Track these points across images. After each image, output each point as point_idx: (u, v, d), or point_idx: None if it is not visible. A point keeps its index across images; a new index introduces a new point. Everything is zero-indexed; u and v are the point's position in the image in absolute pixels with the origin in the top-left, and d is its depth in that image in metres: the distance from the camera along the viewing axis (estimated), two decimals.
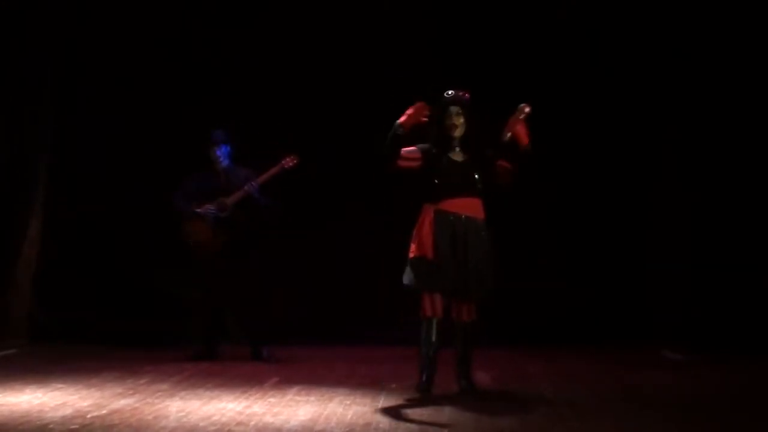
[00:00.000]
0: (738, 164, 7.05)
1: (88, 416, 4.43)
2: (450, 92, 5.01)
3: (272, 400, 4.89)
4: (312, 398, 4.91)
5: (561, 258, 7.44)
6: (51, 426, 4.22)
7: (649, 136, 7.44)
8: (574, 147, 7.46)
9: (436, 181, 4.93)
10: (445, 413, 4.55)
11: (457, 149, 5.01)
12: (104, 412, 4.55)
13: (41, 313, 7.28)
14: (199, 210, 6.32)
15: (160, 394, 5.06)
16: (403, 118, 4.88)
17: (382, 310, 7.46)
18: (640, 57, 7.33)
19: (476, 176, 4.95)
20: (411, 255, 4.96)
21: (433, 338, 4.90)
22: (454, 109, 4.98)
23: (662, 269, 7.34)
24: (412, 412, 4.55)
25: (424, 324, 4.94)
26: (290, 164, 6.24)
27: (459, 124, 4.98)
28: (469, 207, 4.93)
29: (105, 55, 7.50)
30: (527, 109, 4.90)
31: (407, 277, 4.97)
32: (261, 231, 6.49)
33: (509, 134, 4.93)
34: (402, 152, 4.94)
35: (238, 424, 4.28)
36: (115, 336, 7.25)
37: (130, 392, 5.09)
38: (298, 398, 4.92)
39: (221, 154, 6.44)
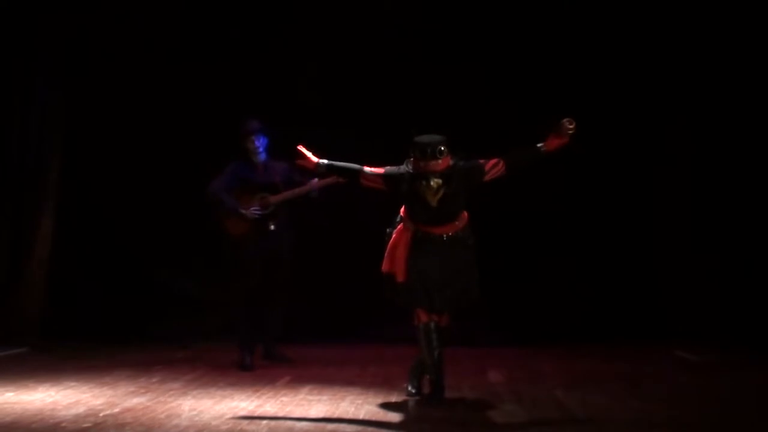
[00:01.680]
0: (751, 160, 7.00)
1: (101, 414, 4.45)
2: (424, 151, 4.61)
3: (284, 399, 4.89)
4: (324, 397, 4.91)
5: (573, 257, 7.40)
6: (64, 424, 4.24)
7: (657, 132, 7.40)
8: (584, 145, 7.40)
9: (410, 206, 4.78)
10: (458, 413, 4.54)
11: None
12: (117, 410, 4.56)
13: (54, 311, 7.30)
14: (243, 211, 6.04)
15: (172, 392, 5.07)
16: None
17: (393, 309, 7.43)
18: (643, 56, 7.30)
19: (454, 203, 4.73)
20: (384, 268, 4.83)
21: (434, 342, 4.77)
22: (436, 149, 4.60)
23: (676, 269, 7.31)
24: (425, 412, 4.54)
25: (420, 331, 4.82)
26: (329, 182, 5.91)
27: (437, 186, 4.63)
28: (449, 229, 4.77)
29: (116, 54, 7.49)
30: (571, 126, 4.67)
31: (388, 294, 4.87)
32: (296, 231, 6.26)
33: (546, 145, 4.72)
34: (366, 173, 4.79)
35: (251, 422, 4.28)
36: (127, 335, 7.27)
37: (143, 391, 5.11)
38: (310, 397, 4.92)
39: (260, 144, 6.10)
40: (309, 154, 4.84)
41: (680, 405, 4.72)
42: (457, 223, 4.80)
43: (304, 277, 7.41)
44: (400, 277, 4.77)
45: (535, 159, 4.79)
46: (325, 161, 4.83)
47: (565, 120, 4.68)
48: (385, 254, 4.86)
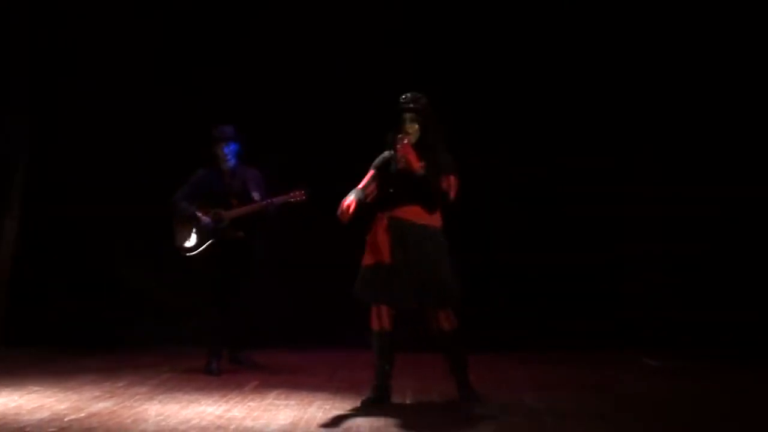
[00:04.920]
0: (713, 164, 7.11)
1: (66, 419, 4.39)
2: (404, 96, 4.91)
3: (252, 404, 4.87)
4: (292, 402, 4.89)
5: (540, 264, 7.44)
6: (28, 429, 4.18)
7: (623, 139, 7.48)
8: (548, 154, 7.51)
9: (390, 190, 4.85)
10: (425, 418, 4.54)
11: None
12: (82, 415, 4.51)
13: (16, 315, 7.19)
14: (199, 214, 6.03)
15: (138, 397, 5.02)
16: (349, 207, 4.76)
17: (362, 313, 7.43)
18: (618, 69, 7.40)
19: (429, 183, 4.79)
20: (365, 263, 4.84)
21: (384, 351, 4.83)
22: (408, 116, 4.86)
23: (640, 275, 7.39)
24: (393, 417, 4.53)
25: (374, 336, 4.87)
26: (298, 198, 5.95)
27: (412, 131, 4.85)
28: (422, 215, 4.82)
29: (84, 52, 7.42)
30: (405, 141, 4.81)
31: (358, 287, 4.86)
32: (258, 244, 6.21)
33: (401, 164, 4.84)
34: (367, 191, 4.90)
35: (218, 428, 4.26)
36: (91, 339, 7.19)
37: (108, 395, 5.05)
38: (277, 402, 4.90)
39: (228, 152, 6.08)
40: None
41: (645, 410, 4.76)
42: (430, 216, 4.82)
43: (274, 281, 7.40)
44: (386, 259, 4.76)
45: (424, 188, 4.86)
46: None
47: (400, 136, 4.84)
48: (366, 250, 4.86)
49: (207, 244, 6.07)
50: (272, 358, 6.44)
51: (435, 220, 4.88)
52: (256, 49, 7.45)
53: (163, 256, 6.96)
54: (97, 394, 5.09)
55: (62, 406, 4.71)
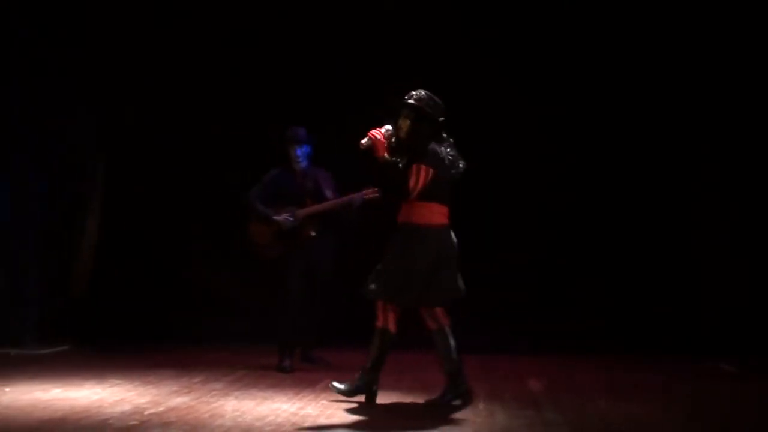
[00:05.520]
0: None
1: (146, 413, 4.51)
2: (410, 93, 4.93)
3: (325, 402, 4.93)
4: (363, 401, 4.93)
5: (618, 267, 7.38)
6: (110, 421, 4.31)
7: (692, 141, 7.38)
8: (625, 157, 7.43)
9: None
10: (497, 420, 4.54)
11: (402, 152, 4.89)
12: (161, 409, 4.62)
13: (97, 310, 7.41)
14: (276, 218, 6.12)
15: (214, 393, 5.12)
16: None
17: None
18: (682, 60, 7.29)
19: (381, 169, 4.82)
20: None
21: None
22: (403, 111, 4.90)
23: (720, 281, 7.25)
24: (465, 419, 4.55)
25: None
26: (372, 195, 5.97)
27: (404, 126, 4.86)
28: (401, 209, 4.91)
29: (161, 54, 7.57)
30: (376, 132, 4.83)
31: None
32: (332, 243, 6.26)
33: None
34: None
35: (293, 424, 4.32)
36: (167, 334, 7.36)
37: (186, 390, 5.17)
38: (350, 401, 4.94)
39: (301, 153, 6.15)
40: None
41: (722, 417, 4.68)
42: (404, 209, 4.87)
43: (343, 281, 7.45)
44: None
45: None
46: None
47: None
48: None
49: (281, 242, 6.16)
50: (343, 357, 6.48)
51: (411, 215, 4.86)
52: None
53: (237, 255, 7.10)
54: (175, 388, 5.22)
55: (142, 400, 4.84)
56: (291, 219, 6.12)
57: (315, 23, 7.50)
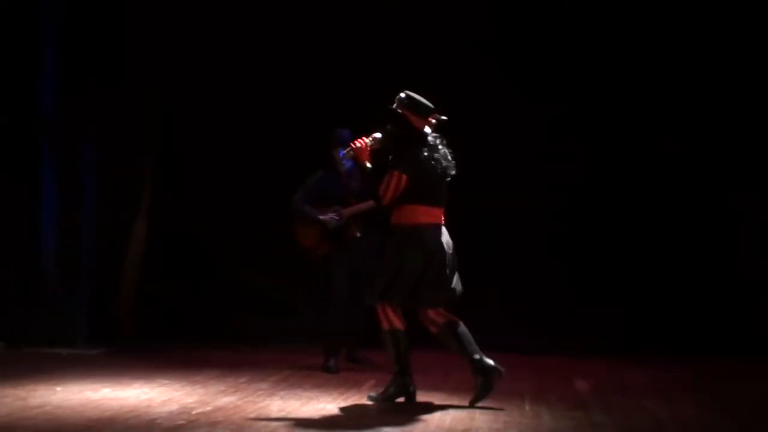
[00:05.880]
0: None
1: (193, 412, 4.55)
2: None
3: (370, 402, 4.93)
4: (404, 402, 4.92)
5: (666, 267, 7.28)
6: (159, 421, 4.35)
7: (738, 144, 7.25)
8: (671, 158, 7.35)
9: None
10: (544, 422, 4.50)
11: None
12: (208, 408, 4.67)
13: (146, 310, 7.51)
14: (322, 217, 6.16)
15: (260, 393, 5.16)
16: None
17: (474, 315, 7.42)
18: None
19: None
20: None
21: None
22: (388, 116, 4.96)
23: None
24: (512, 420, 4.51)
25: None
26: None
27: (387, 132, 4.93)
28: (395, 212, 4.92)
29: (207, 58, 7.65)
30: (361, 142, 4.95)
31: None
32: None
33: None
34: None
35: (339, 425, 4.33)
36: (213, 335, 7.44)
37: (232, 390, 5.21)
38: (395, 402, 4.94)
39: (344, 156, 6.24)
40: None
41: None
42: (396, 212, 4.90)
43: None
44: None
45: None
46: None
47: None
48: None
49: (327, 242, 6.17)
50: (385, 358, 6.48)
51: (400, 217, 4.88)
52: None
53: (283, 255, 7.15)
54: (221, 388, 5.26)
55: (190, 400, 4.89)
56: (336, 218, 6.15)
57: (315, 24, 7.51)
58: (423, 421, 4.46)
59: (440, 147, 4.94)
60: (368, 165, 4.94)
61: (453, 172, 4.96)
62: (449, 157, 4.96)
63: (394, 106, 4.92)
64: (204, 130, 7.73)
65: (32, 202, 7.13)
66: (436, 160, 4.89)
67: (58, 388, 5.16)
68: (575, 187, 7.45)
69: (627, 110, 7.43)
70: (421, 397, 5.03)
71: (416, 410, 4.71)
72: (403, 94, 4.92)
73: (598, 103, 7.42)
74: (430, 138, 4.93)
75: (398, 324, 4.94)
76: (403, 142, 4.88)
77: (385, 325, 4.95)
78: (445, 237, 4.92)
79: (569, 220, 7.44)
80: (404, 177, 4.81)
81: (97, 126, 7.20)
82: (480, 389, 4.82)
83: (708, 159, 7.30)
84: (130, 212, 7.44)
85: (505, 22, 7.40)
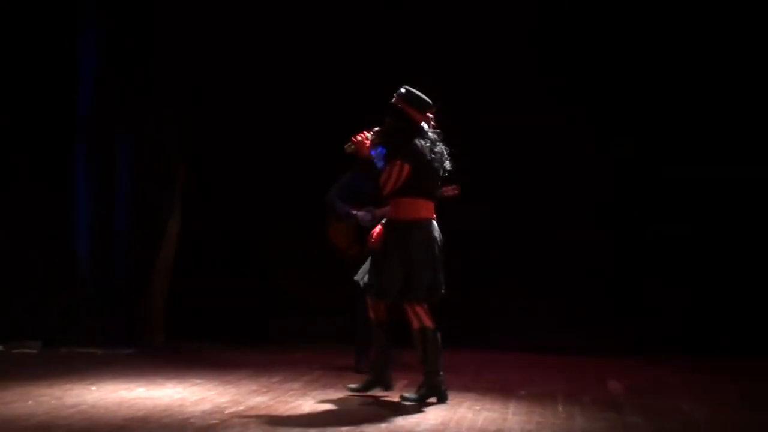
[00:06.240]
0: None
1: (226, 412, 4.58)
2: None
3: (404, 402, 4.91)
4: (437, 401, 4.91)
5: (700, 268, 7.20)
6: (192, 420, 4.39)
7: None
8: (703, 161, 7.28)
9: None
10: (576, 423, 4.47)
11: None
12: (241, 408, 4.69)
13: (178, 310, 7.57)
14: (355, 212, 6.13)
15: (292, 392, 5.18)
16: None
17: (504, 315, 7.40)
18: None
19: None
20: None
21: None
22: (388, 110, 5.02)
23: None
24: (544, 421, 4.49)
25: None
26: (452, 193, 5.85)
27: (387, 126, 4.98)
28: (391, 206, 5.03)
29: (241, 60, 7.69)
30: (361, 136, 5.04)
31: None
32: None
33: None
34: None
35: (370, 425, 4.33)
36: (245, 334, 7.48)
37: (264, 390, 5.24)
38: (427, 402, 4.93)
39: (376, 155, 6.28)
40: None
41: None
42: (394, 207, 4.99)
43: None
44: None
45: None
46: None
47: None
48: None
49: (359, 241, 6.16)
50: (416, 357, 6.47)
51: (399, 211, 4.93)
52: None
53: (315, 256, 7.16)
54: (254, 388, 5.29)
55: (223, 399, 4.92)
56: (369, 216, 6.16)
57: (318, 24, 7.52)
58: (455, 421, 4.45)
59: (438, 143, 4.98)
60: (368, 155, 4.99)
61: (449, 169, 5.02)
62: (446, 155, 5.01)
63: (393, 100, 4.95)
64: (239, 133, 7.76)
65: (68, 203, 7.22)
66: (436, 154, 4.93)
67: (93, 388, 5.22)
68: (607, 190, 7.41)
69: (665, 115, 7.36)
70: (453, 397, 5.02)
71: (448, 410, 4.70)
72: (402, 89, 4.96)
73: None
74: (429, 133, 4.98)
75: (428, 323, 4.93)
76: (403, 134, 4.91)
77: (416, 324, 4.95)
78: (438, 231, 4.97)
79: (602, 219, 7.38)
80: (406, 166, 4.86)
81: (133, 127, 7.26)
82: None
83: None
84: (164, 213, 7.50)
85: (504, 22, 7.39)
